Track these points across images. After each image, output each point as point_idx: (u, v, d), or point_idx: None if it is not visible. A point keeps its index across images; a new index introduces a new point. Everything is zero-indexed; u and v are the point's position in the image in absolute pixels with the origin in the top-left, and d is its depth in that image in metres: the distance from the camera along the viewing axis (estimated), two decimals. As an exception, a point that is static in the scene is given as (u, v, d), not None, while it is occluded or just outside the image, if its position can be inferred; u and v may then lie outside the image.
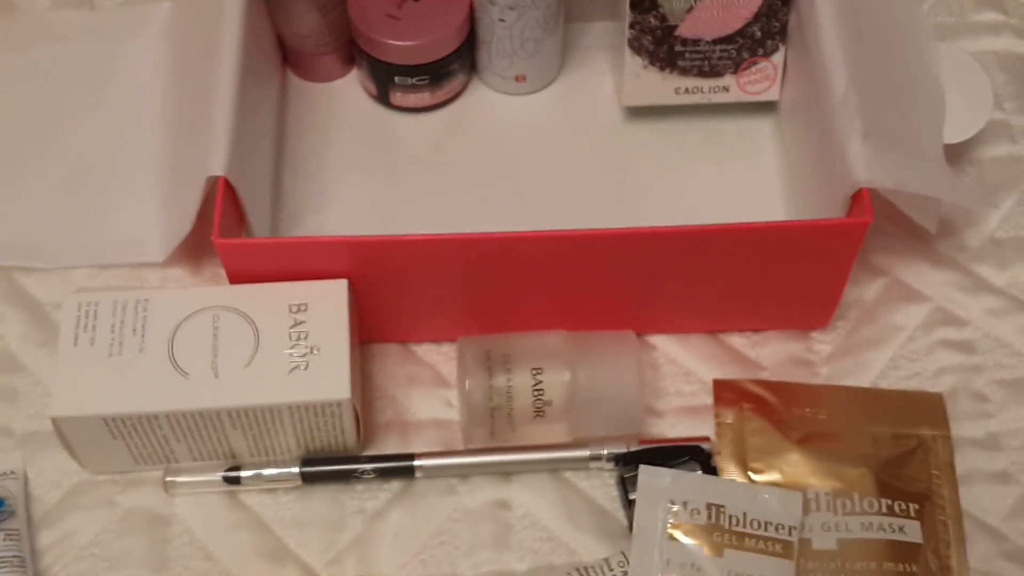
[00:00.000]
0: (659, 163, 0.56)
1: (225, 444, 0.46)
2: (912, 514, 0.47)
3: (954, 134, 0.53)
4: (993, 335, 0.52)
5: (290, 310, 0.46)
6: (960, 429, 0.50)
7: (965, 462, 0.49)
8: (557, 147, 0.56)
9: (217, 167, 0.47)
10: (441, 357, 0.52)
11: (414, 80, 0.56)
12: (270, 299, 0.46)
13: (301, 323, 0.46)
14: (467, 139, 0.57)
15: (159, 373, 0.44)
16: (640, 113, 0.57)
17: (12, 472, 0.48)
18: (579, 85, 0.58)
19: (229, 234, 0.46)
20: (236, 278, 0.47)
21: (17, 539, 0.46)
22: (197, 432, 0.45)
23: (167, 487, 0.47)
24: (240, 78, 0.49)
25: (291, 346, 0.45)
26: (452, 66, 0.56)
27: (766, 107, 0.57)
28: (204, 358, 0.45)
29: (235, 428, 0.45)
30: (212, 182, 0.47)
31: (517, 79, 0.57)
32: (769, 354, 0.52)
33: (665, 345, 0.52)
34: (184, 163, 0.51)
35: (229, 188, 0.47)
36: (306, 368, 0.45)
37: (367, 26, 0.54)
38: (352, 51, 0.57)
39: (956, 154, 0.56)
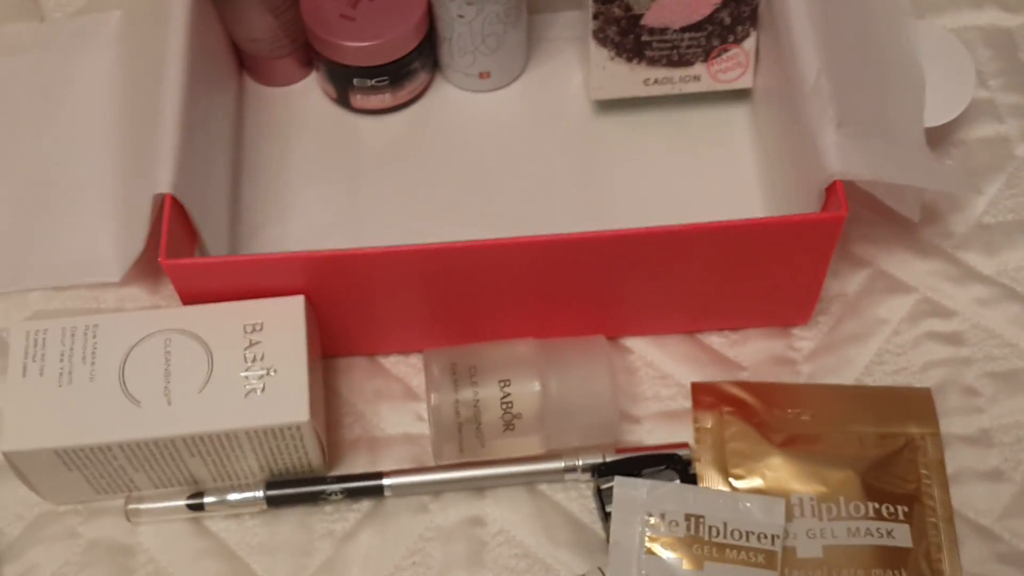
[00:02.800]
0: (631, 158, 0.54)
1: (185, 471, 0.45)
2: (901, 517, 0.45)
3: (936, 116, 0.51)
4: (982, 325, 0.50)
5: (245, 330, 0.44)
6: (950, 425, 0.48)
7: (956, 460, 0.47)
8: (525, 145, 0.54)
9: (163, 184, 0.45)
10: (410, 369, 0.50)
11: (373, 82, 0.54)
12: (224, 320, 0.44)
13: (257, 343, 0.44)
14: (432, 140, 0.55)
15: (110, 402, 0.43)
16: (610, 106, 0.55)
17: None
18: (546, 79, 0.56)
19: (178, 253, 0.45)
20: (189, 298, 0.45)
21: (-24, 576, 0.45)
22: (154, 461, 0.44)
23: (129, 516, 0.46)
24: (187, 88, 0.48)
25: (246, 368, 0.43)
26: (412, 65, 0.54)
27: (740, 95, 0.55)
28: (156, 384, 0.43)
29: (192, 455, 0.44)
30: (160, 199, 0.45)
31: (481, 76, 0.55)
32: (749, 353, 0.50)
33: (641, 348, 0.50)
34: (134, 179, 0.50)
35: (177, 205, 0.45)
36: (263, 391, 0.43)
37: (321, 28, 0.53)
38: (310, 53, 0.55)
39: (939, 136, 0.54)
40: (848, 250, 0.52)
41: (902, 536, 0.45)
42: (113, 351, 0.44)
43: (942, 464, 0.47)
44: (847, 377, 0.49)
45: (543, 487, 0.47)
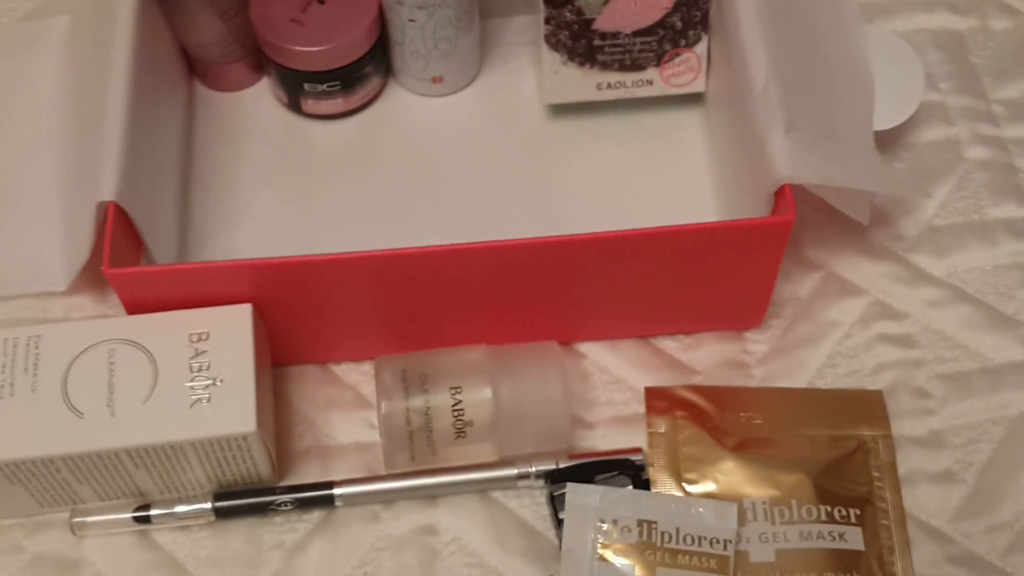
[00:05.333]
0: (585, 162, 0.54)
1: (131, 483, 0.44)
2: (853, 520, 0.45)
3: (886, 119, 0.51)
4: (933, 327, 0.50)
5: (191, 340, 0.44)
6: (901, 428, 0.48)
7: (907, 462, 0.47)
8: (478, 150, 0.54)
9: (107, 192, 0.44)
10: (362, 377, 0.49)
11: (324, 87, 0.53)
12: (169, 329, 0.44)
13: (203, 353, 0.43)
14: (385, 145, 0.55)
15: (53, 414, 0.42)
16: (563, 111, 0.55)
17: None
18: (500, 84, 0.56)
19: (123, 262, 0.44)
20: (134, 308, 0.45)
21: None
22: (98, 473, 0.43)
23: (75, 529, 0.45)
24: (133, 93, 0.47)
25: (192, 378, 0.43)
26: (365, 69, 0.54)
27: (693, 99, 0.55)
28: (100, 396, 0.42)
29: (138, 467, 0.43)
30: (103, 208, 0.45)
31: (434, 80, 0.55)
32: (703, 357, 0.50)
33: (595, 352, 0.50)
34: (79, 187, 0.49)
35: (121, 213, 0.44)
36: (208, 401, 0.42)
37: (271, 33, 0.52)
38: (261, 58, 0.55)
39: (889, 140, 0.54)
40: (800, 253, 0.52)
41: (854, 539, 0.45)
42: (55, 362, 0.43)
43: (894, 466, 0.47)
44: (799, 380, 0.49)
45: (496, 494, 0.47)
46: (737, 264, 0.46)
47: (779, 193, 0.44)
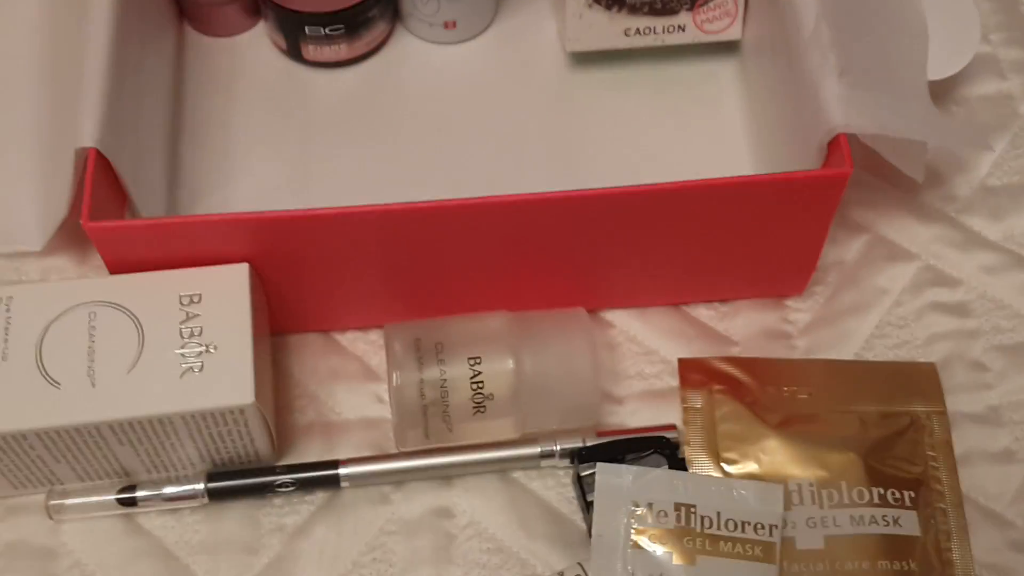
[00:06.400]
0: (610, 115, 0.50)
1: (114, 461, 0.40)
2: (907, 503, 0.42)
3: (938, 70, 0.47)
4: (989, 295, 0.47)
5: (181, 302, 0.39)
6: (957, 403, 0.44)
7: (964, 441, 0.44)
8: (494, 101, 0.50)
9: (87, 138, 0.40)
10: (369, 346, 0.45)
11: (327, 30, 0.49)
12: (157, 290, 0.39)
13: (194, 317, 0.39)
14: (392, 96, 0.50)
15: (26, 384, 0.38)
16: (586, 59, 0.51)
17: None
18: (517, 31, 0.52)
19: (105, 216, 0.40)
20: (117, 268, 0.41)
21: None
22: (77, 450, 0.39)
23: (51, 512, 0.41)
24: (117, 32, 0.43)
25: (182, 345, 0.39)
26: (370, 13, 0.49)
27: (727, 47, 0.51)
28: (79, 364, 0.38)
29: (122, 444, 0.39)
30: (83, 155, 0.40)
31: (446, 25, 0.51)
32: (741, 326, 0.46)
33: (623, 321, 0.46)
34: (57, 136, 0.45)
35: (103, 161, 0.40)
36: (201, 370, 0.38)
37: (268, -31, 0.48)
38: (256, 0, 0.50)
39: (940, 92, 0.50)
40: (845, 215, 0.48)
41: (909, 524, 0.41)
42: (29, 327, 0.39)
43: (949, 445, 0.43)
44: (846, 352, 0.45)
45: (517, 475, 0.43)
46: (782, 223, 0.42)
47: (832, 144, 0.41)
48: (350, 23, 0.49)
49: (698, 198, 0.41)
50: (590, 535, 0.40)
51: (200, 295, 0.40)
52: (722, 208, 0.41)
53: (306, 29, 0.49)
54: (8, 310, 0.39)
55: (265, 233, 0.40)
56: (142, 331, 0.39)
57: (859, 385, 0.44)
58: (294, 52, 0.50)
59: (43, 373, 0.38)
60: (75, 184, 0.42)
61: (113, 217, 0.41)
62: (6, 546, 0.41)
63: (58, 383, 0.38)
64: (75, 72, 0.43)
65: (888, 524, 0.41)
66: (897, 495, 0.42)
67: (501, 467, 0.43)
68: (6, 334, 0.39)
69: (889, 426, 0.43)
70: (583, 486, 0.42)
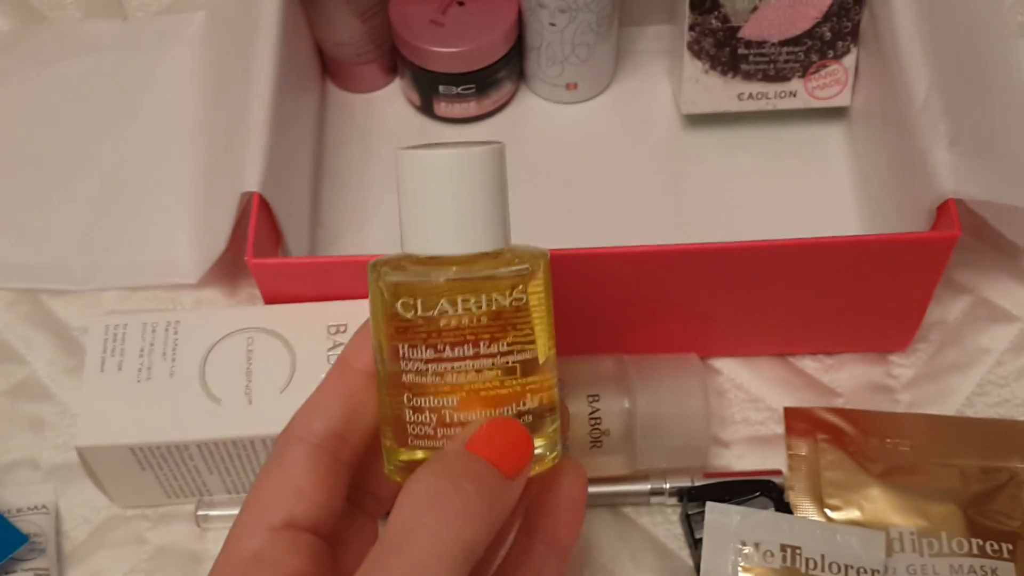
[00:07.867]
0: (721, 174, 0.52)
1: (260, 476, 0.43)
2: (1005, 555, 0.43)
3: (1043, 140, 0.49)
4: (1091, 358, 0.48)
5: (328, 331, 0.43)
6: (1057, 462, 0.45)
7: (1064, 498, 0.45)
8: (612, 158, 0.53)
9: (252, 183, 0.44)
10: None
11: (459, 89, 0.53)
12: (307, 320, 0.43)
13: (340, 345, 0.43)
14: (516, 151, 0.53)
15: (190, 399, 0.42)
16: (700, 121, 0.54)
17: (43, 506, 0.45)
18: (634, 92, 0.55)
19: (264, 253, 0.44)
20: (272, 299, 0.44)
21: (44, 578, 0.43)
22: (231, 462, 0.42)
23: (200, 521, 0.45)
24: (277, 89, 0.47)
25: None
26: (499, 73, 0.53)
27: (836, 113, 0.53)
28: (238, 383, 0.42)
29: (270, 460, 0.42)
30: (246, 198, 0.44)
31: (568, 87, 0.54)
32: (845, 379, 0.48)
33: (731, 369, 0.48)
34: (218, 179, 0.49)
35: (264, 205, 0.44)
36: (346, 395, 0.41)
37: (409, 32, 0.52)
38: (394, 60, 0.55)
39: (1044, 162, 0.52)
40: (949, 276, 0.50)
41: (1007, 575, 0.42)
42: (194, 348, 0.43)
43: (1049, 502, 0.45)
44: (947, 408, 0.47)
45: (627, 510, 0.45)
46: (889, 282, 0.44)
47: (942, 208, 0.43)
48: (480, 83, 0.53)
49: (812, 256, 0.43)
50: (697, 571, 0.42)
51: (346, 325, 0.43)
52: (833, 266, 0.43)
53: (440, 88, 0.53)
54: (176, 333, 0.43)
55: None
56: (294, 356, 0.42)
57: (960, 440, 0.46)
58: (427, 108, 0.54)
59: (206, 390, 0.42)
60: (234, 223, 0.46)
61: (268, 254, 0.45)
62: (157, 550, 0.45)
63: (219, 399, 0.42)
64: (235, 122, 0.47)
65: (986, 574, 0.42)
66: (995, 547, 0.43)
67: (612, 501, 0.45)
68: (174, 354, 0.43)
69: (989, 480, 0.45)
70: (691, 524, 0.44)
